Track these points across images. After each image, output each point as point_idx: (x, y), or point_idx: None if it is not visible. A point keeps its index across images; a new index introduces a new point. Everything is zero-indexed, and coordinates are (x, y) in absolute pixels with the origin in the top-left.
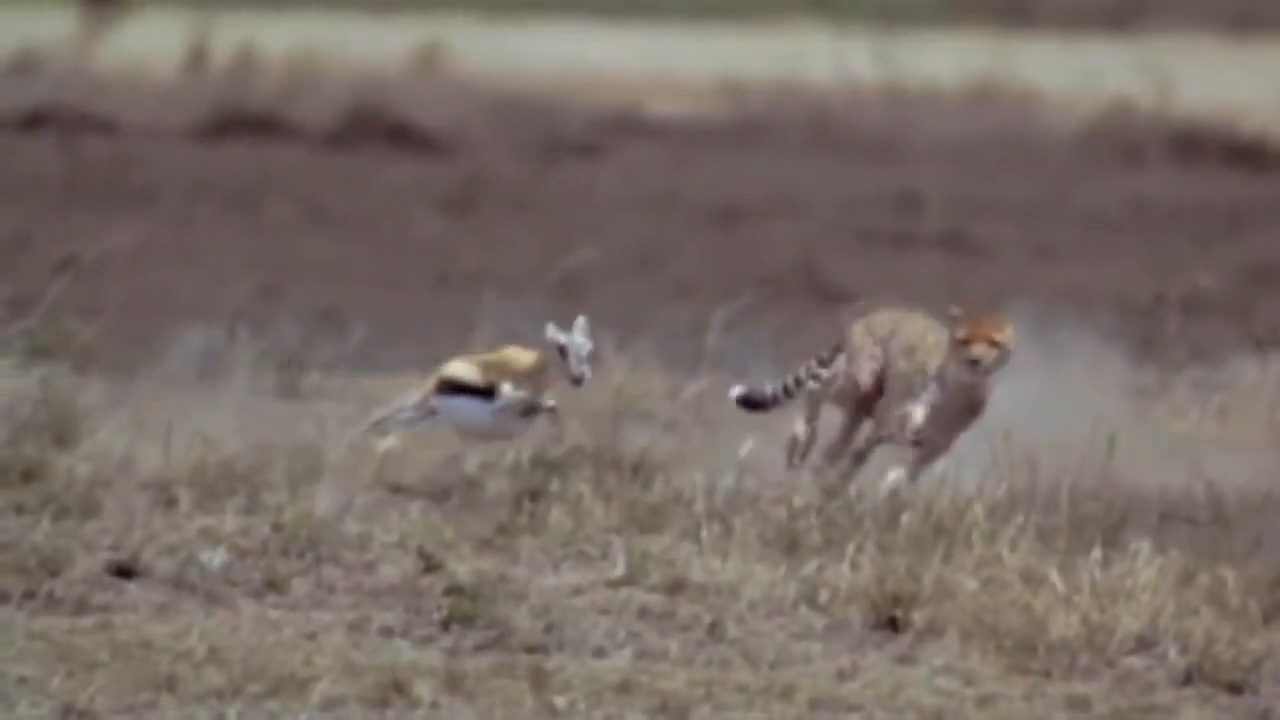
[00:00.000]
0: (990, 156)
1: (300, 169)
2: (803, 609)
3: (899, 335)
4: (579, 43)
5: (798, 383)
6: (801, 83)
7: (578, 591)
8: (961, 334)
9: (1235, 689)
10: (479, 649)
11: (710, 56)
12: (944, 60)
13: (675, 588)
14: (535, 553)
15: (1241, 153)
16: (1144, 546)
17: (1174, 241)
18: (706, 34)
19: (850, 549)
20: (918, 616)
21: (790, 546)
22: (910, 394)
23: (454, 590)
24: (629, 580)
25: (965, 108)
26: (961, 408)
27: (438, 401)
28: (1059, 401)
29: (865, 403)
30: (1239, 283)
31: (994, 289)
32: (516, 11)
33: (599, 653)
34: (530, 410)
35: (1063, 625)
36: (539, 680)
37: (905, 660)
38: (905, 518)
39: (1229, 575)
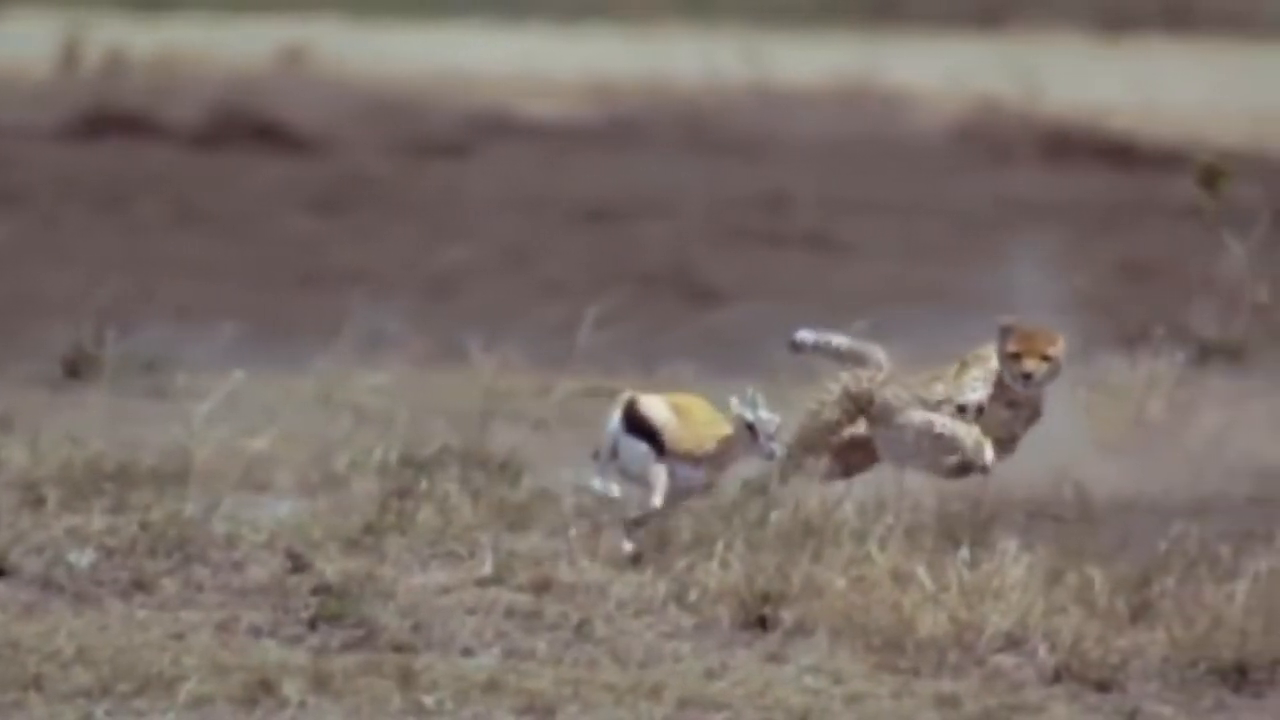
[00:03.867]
0: (859, 156)
1: (169, 168)
2: (671, 608)
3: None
4: (449, 43)
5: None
6: (671, 83)
7: (445, 590)
8: (1014, 348)
9: (1103, 687)
10: (347, 648)
11: (580, 56)
12: (813, 60)
13: (543, 587)
14: (403, 552)
15: (1110, 151)
16: (1012, 545)
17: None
18: (576, 34)
19: (719, 547)
20: (787, 615)
21: (659, 545)
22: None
23: (322, 589)
24: (497, 579)
25: (834, 107)
26: (1015, 421)
27: (620, 435)
28: None
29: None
30: (1108, 280)
31: (863, 288)
32: (386, 11)
33: (467, 652)
34: (706, 489)
35: (931, 623)
36: (406, 679)
37: (774, 659)
38: (774, 516)
39: (1097, 574)
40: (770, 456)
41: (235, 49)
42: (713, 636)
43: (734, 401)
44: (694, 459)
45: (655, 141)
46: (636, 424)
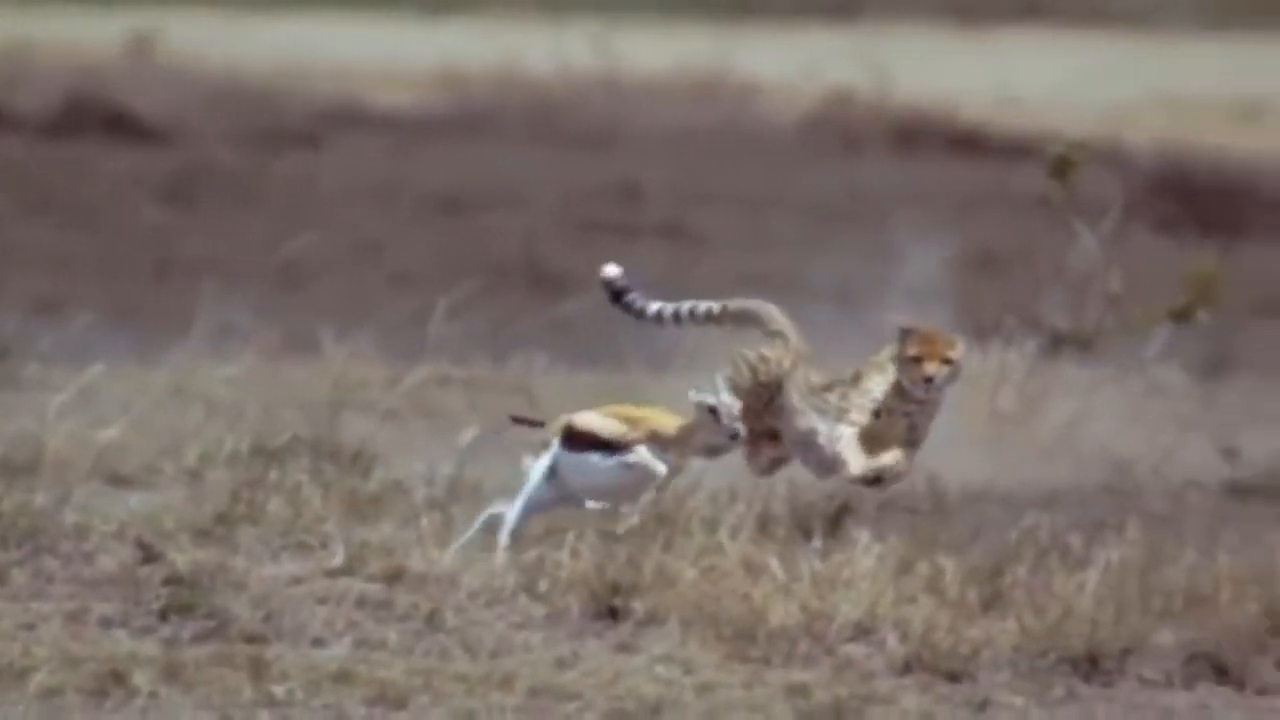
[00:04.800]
0: (711, 147)
1: (20, 158)
2: (522, 598)
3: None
4: (300, 33)
5: (691, 314)
6: (523, 73)
7: (297, 581)
8: (914, 351)
9: (954, 677)
10: (198, 639)
11: (431, 47)
12: (665, 51)
13: (394, 577)
14: (254, 542)
15: (961, 141)
16: (864, 536)
17: (895, 230)
18: (427, 25)
19: (570, 537)
20: (638, 605)
21: (510, 535)
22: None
23: (173, 580)
24: (348, 570)
25: (686, 98)
26: (912, 423)
27: (562, 455)
28: None
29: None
30: (960, 271)
31: (715, 279)
32: (238, 1)
33: (318, 642)
34: (671, 475)
35: (782, 613)
36: (258, 670)
37: (625, 649)
38: (625, 506)
39: (948, 564)
40: (735, 437)
41: (87, 38)
42: (564, 626)
43: (692, 391)
44: (660, 442)
45: (507, 132)
46: (579, 440)
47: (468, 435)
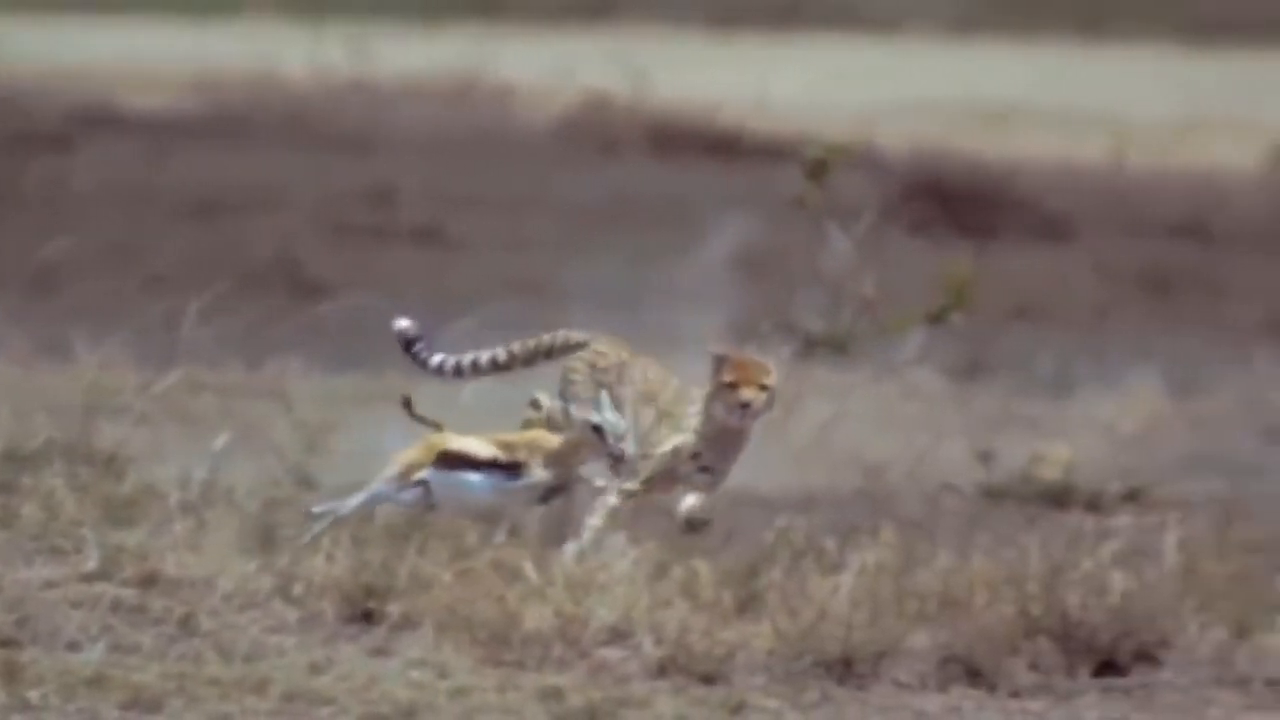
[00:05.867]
0: (467, 150)
1: None
2: (276, 602)
3: (629, 379)
4: (50, 35)
5: (473, 367)
6: (277, 76)
7: (50, 585)
8: (730, 378)
9: (709, 680)
10: None
11: (185, 49)
12: (420, 54)
13: (148, 581)
14: (7, 547)
15: (718, 145)
16: (618, 539)
17: (651, 233)
18: (181, 27)
19: (325, 542)
20: (392, 609)
21: (265, 540)
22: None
23: None
24: (102, 574)
25: (441, 102)
26: (727, 447)
27: (435, 475)
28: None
29: None
30: (715, 273)
31: (471, 282)
32: None
33: (72, 646)
34: (553, 492)
35: (537, 617)
36: (11, 673)
37: (379, 653)
38: (380, 510)
39: (702, 567)
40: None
41: None
42: (318, 631)
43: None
44: (544, 457)
45: (262, 135)
46: (454, 461)
47: (221, 439)
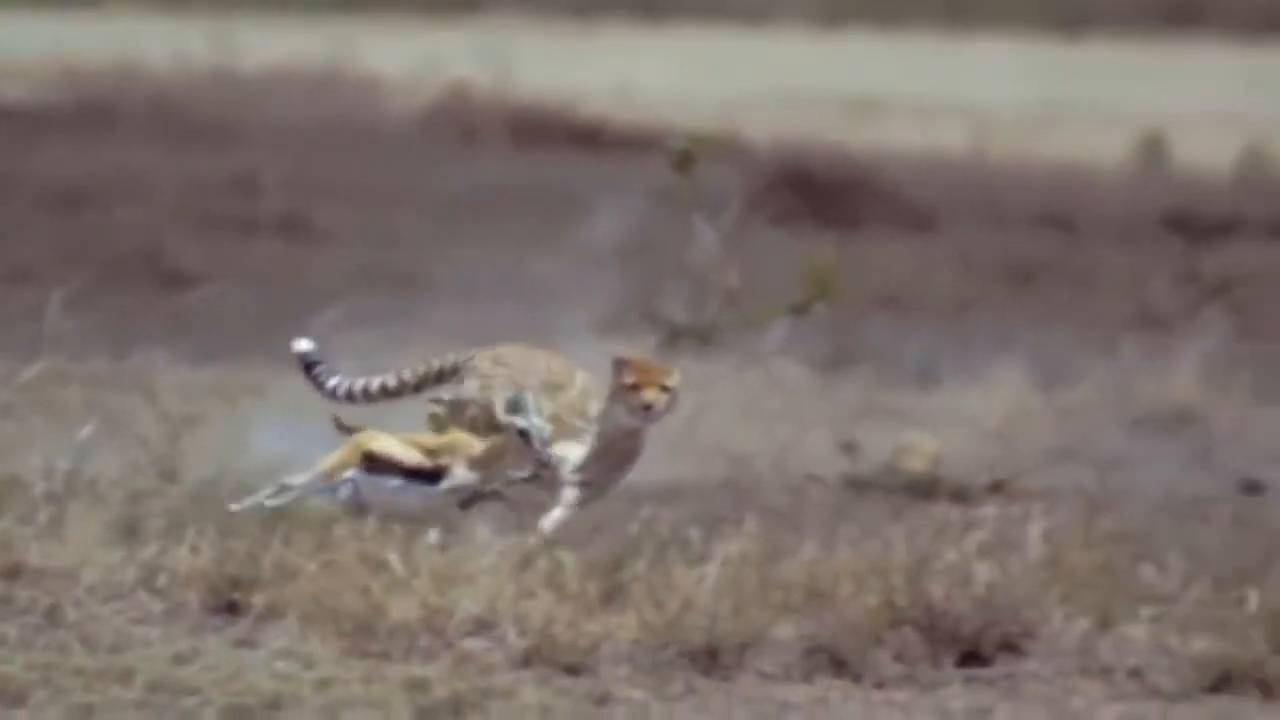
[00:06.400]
0: (331, 141)
1: None
2: (141, 593)
3: (534, 373)
4: None
5: (365, 392)
6: (140, 67)
7: None
8: (631, 380)
9: (573, 670)
10: None
11: (48, 40)
12: (283, 45)
13: (12, 572)
14: None
15: (582, 136)
16: (484, 531)
17: (516, 224)
18: (43, 17)
19: (190, 533)
20: (258, 600)
21: (129, 531)
22: (565, 435)
23: None
24: None
25: (306, 93)
26: (624, 451)
27: (361, 477)
28: None
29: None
30: (579, 264)
31: (336, 274)
32: None
33: None
34: (475, 498)
35: (402, 608)
36: None
37: (244, 643)
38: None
39: (568, 559)
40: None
41: None
42: (182, 621)
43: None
44: (469, 460)
45: (125, 126)
46: (378, 463)
47: (86, 430)
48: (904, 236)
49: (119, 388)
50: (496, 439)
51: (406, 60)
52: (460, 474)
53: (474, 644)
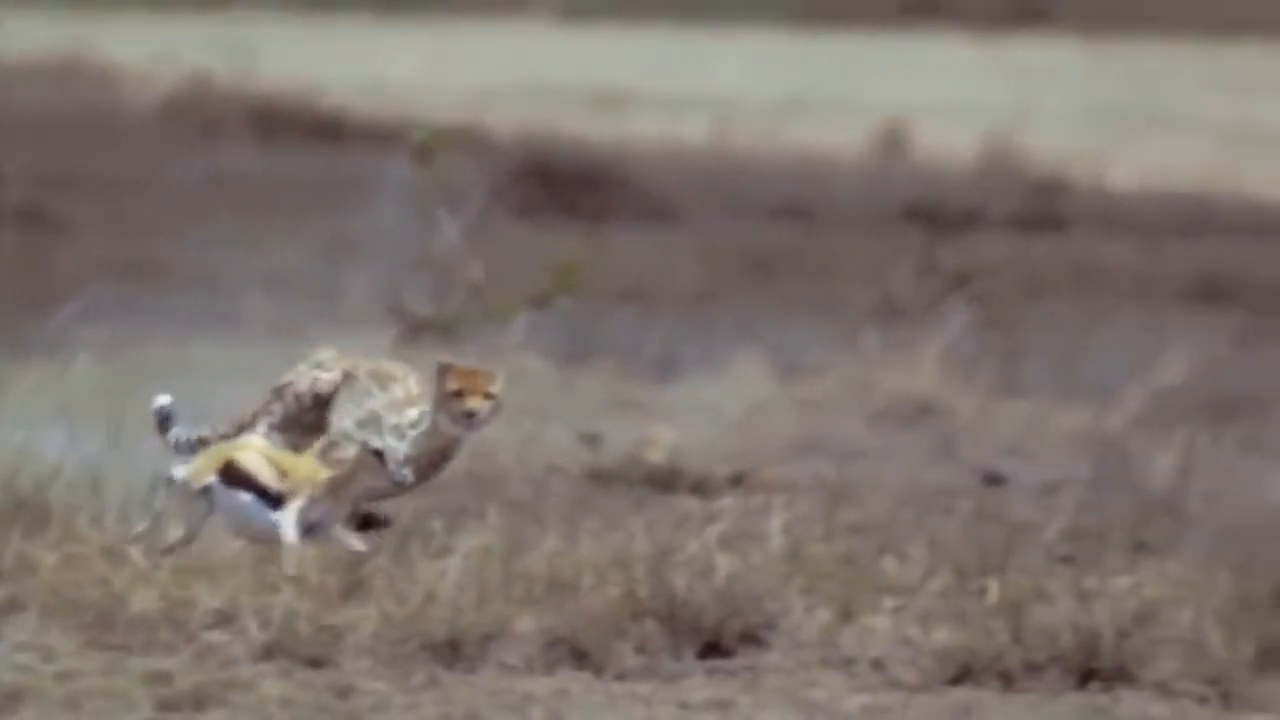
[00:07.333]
0: (69, 132)
1: None
2: None
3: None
4: None
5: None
6: None
7: None
8: (455, 386)
9: (316, 663)
10: None
11: None
12: (21, 35)
13: None
14: None
15: (322, 128)
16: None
17: (256, 217)
18: None
19: None
20: None
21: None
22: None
23: None
24: None
25: (43, 82)
26: (440, 456)
27: (218, 487)
28: None
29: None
30: (321, 257)
31: (75, 267)
32: None
33: None
34: (316, 528)
35: (143, 601)
36: None
37: None
38: None
39: (308, 552)
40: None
41: None
42: None
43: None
44: (316, 488)
45: None
46: (235, 475)
47: None
48: (646, 228)
49: None
50: (349, 462)
51: (148, 50)
52: (298, 505)
53: (215, 636)
